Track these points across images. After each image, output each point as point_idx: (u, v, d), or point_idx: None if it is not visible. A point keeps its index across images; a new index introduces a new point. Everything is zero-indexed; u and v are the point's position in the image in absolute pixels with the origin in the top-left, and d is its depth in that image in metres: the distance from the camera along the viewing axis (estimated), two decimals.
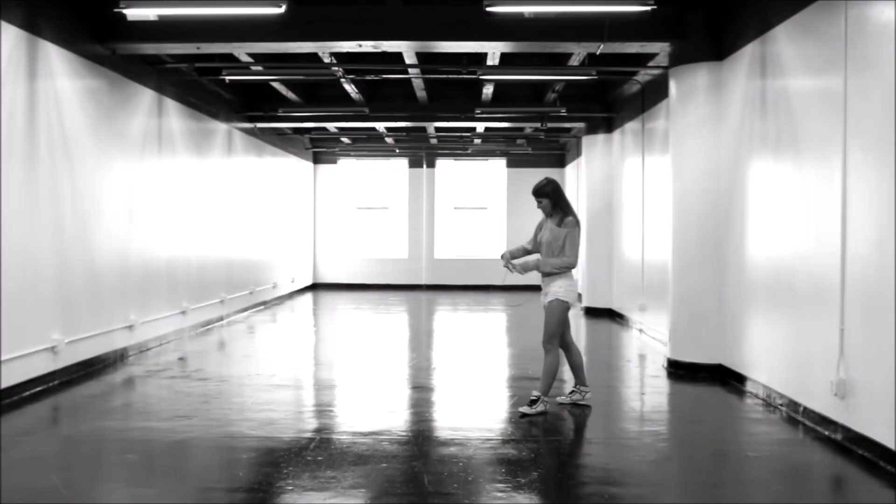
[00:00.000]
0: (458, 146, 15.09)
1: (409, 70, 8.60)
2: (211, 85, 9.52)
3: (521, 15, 6.55)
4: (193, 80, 9.01)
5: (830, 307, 4.52)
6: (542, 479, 3.82)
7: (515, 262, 5.28)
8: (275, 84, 9.67)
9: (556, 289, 5.13)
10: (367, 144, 15.40)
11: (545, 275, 5.20)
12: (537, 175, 6.07)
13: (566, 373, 5.89)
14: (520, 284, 10.57)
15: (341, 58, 8.65)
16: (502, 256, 5.34)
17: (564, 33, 6.70)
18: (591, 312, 11.47)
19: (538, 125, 11.65)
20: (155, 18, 6.71)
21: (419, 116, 11.30)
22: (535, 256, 5.32)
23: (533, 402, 5.11)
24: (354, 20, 6.67)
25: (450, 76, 8.97)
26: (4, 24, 5.45)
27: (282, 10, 5.62)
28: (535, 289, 6.53)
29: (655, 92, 8.64)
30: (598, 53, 7.02)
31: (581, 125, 11.76)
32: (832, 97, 4.55)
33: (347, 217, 16.79)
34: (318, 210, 16.75)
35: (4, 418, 5.01)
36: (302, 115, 11.27)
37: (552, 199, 5.21)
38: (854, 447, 4.29)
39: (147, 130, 7.87)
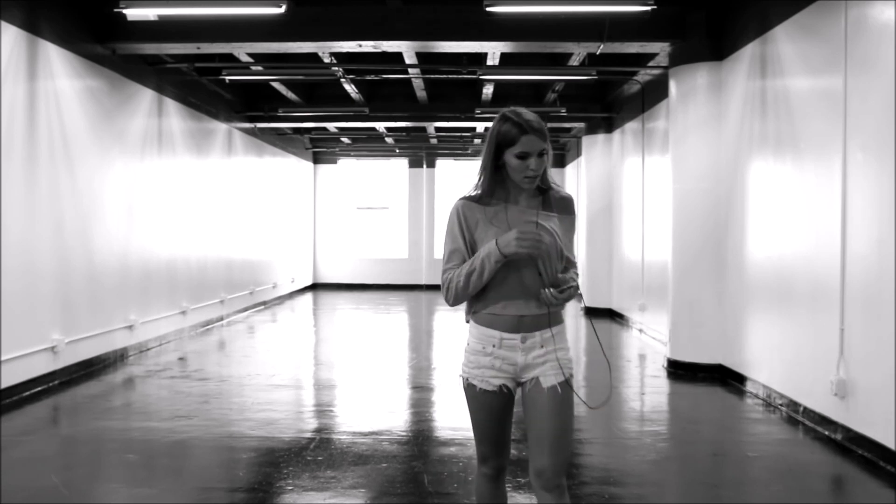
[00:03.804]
0: (458, 146, 15.09)
1: (409, 70, 8.60)
2: (211, 85, 9.52)
3: (521, 15, 6.55)
4: (193, 80, 9.01)
5: (830, 307, 4.52)
6: None
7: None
8: (275, 84, 9.67)
9: (567, 352, 2.41)
10: (367, 144, 15.41)
11: (543, 314, 2.36)
12: None
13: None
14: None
15: (341, 58, 8.65)
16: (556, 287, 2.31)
17: (564, 33, 6.70)
18: (591, 312, 11.48)
19: None
20: (155, 18, 6.71)
21: (419, 116, 11.30)
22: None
23: None
24: (354, 20, 6.68)
25: (450, 76, 8.97)
26: (4, 25, 5.45)
27: (282, 10, 5.62)
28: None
29: (655, 92, 8.64)
30: (598, 53, 7.02)
31: (581, 125, 11.76)
32: (832, 97, 4.55)
33: (347, 217, 16.79)
34: (318, 210, 16.75)
35: (4, 418, 5.01)
36: (302, 115, 11.27)
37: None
38: (854, 447, 4.29)
39: (147, 130, 7.87)
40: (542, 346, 2.36)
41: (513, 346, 2.36)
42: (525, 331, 2.35)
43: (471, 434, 2.74)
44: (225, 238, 10.41)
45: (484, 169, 2.36)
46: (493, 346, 2.37)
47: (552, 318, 2.38)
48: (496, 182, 2.36)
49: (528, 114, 2.32)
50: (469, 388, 2.43)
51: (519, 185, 2.34)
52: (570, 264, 2.47)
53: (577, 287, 2.32)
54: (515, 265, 2.31)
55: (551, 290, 2.28)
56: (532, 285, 2.33)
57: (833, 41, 4.55)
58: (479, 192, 2.38)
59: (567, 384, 2.36)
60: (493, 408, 2.40)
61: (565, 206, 2.46)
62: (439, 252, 16.39)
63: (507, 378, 2.38)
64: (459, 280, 2.35)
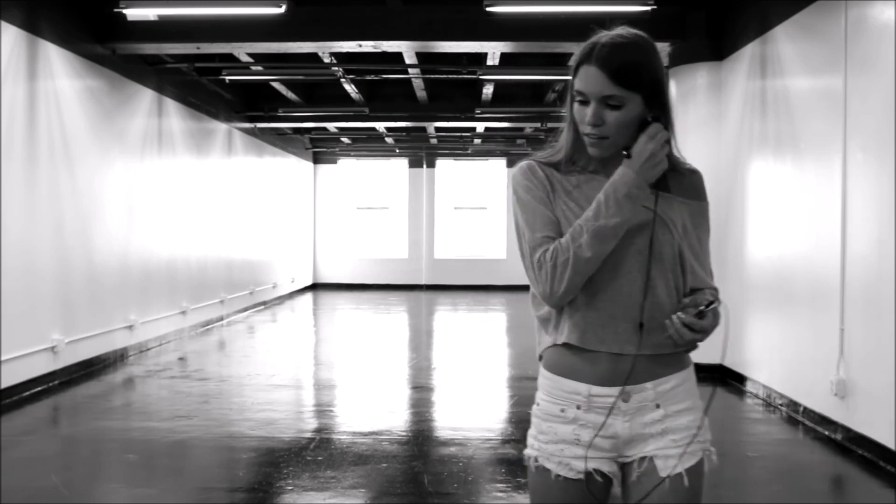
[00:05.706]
0: (458, 146, 15.09)
1: (409, 70, 8.59)
2: (211, 85, 9.52)
3: (521, 15, 6.55)
4: (193, 80, 9.01)
5: (830, 307, 4.52)
6: None
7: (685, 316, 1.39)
8: (275, 84, 9.67)
9: (697, 415, 1.48)
10: (367, 144, 15.41)
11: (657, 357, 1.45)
12: None
13: None
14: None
15: (341, 58, 8.65)
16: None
17: (564, 33, 6.69)
18: None
19: (538, 125, 11.65)
20: (155, 18, 6.71)
21: (419, 116, 11.30)
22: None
23: None
24: (354, 20, 6.67)
25: (450, 76, 8.97)
26: (4, 25, 5.45)
27: (282, 10, 5.62)
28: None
29: None
30: None
31: None
32: (832, 97, 4.55)
33: (347, 217, 16.79)
34: (318, 210, 16.75)
35: (4, 418, 5.01)
36: (302, 115, 11.27)
37: (655, 95, 1.51)
38: (854, 447, 4.29)
39: (147, 130, 7.87)
40: (658, 407, 1.46)
41: (608, 408, 1.45)
42: (628, 381, 1.44)
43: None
44: (225, 238, 10.40)
45: (566, 122, 1.60)
46: (578, 406, 1.47)
47: (676, 361, 1.48)
48: (582, 142, 1.54)
49: (609, 35, 1.54)
50: (539, 475, 1.50)
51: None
52: (702, 286, 1.50)
53: (717, 306, 1.42)
54: (613, 266, 1.43)
55: (682, 315, 1.39)
56: (636, 303, 1.43)
57: (833, 41, 4.55)
58: (555, 153, 1.58)
59: (700, 470, 1.46)
60: None
61: (691, 188, 1.60)
62: (439, 252, 16.37)
63: (601, 458, 1.47)
64: (580, 238, 1.38)
